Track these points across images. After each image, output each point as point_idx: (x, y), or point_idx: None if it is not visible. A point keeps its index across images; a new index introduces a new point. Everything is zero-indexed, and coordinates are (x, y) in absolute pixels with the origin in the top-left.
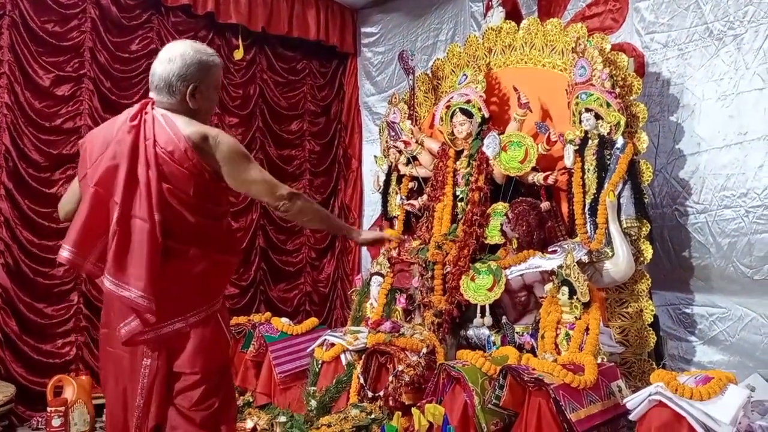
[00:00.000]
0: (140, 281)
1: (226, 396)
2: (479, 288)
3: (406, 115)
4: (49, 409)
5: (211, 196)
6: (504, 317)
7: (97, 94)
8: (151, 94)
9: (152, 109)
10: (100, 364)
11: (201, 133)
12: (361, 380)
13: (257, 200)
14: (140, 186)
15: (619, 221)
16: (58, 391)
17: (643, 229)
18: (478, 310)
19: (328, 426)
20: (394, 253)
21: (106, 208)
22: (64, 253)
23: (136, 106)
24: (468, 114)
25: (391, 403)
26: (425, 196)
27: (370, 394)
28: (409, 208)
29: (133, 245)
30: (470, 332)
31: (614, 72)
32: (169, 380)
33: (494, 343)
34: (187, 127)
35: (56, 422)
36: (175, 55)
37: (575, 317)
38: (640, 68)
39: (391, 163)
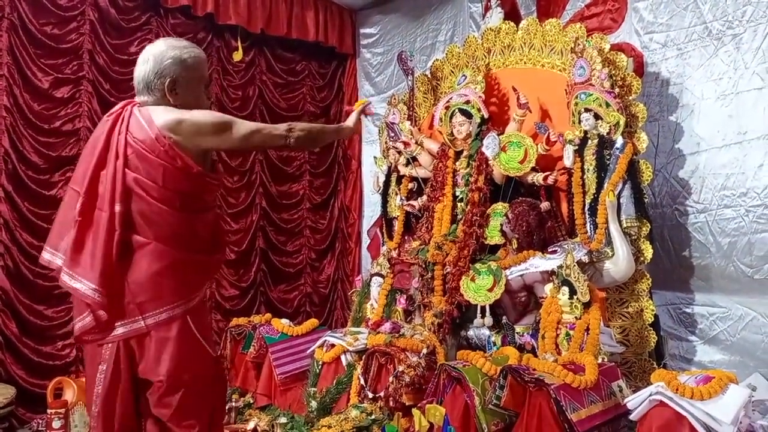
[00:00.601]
0: (93, 272)
1: (213, 416)
2: (479, 288)
3: (406, 116)
4: (49, 411)
5: (184, 187)
6: (504, 317)
7: (96, 96)
8: (136, 98)
9: (133, 107)
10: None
11: (175, 119)
12: (362, 381)
13: (263, 149)
14: (106, 176)
15: (619, 221)
16: (58, 393)
17: (643, 228)
18: (479, 311)
19: (329, 427)
20: (394, 254)
21: (71, 204)
22: (45, 255)
23: (118, 105)
24: (467, 114)
25: (391, 403)
26: (425, 197)
27: (370, 395)
28: (408, 208)
29: (91, 236)
30: (470, 333)
31: (613, 72)
32: (139, 390)
33: (495, 344)
34: (162, 116)
35: (57, 424)
36: (148, 56)
37: (575, 317)
38: (639, 68)
39: (391, 163)
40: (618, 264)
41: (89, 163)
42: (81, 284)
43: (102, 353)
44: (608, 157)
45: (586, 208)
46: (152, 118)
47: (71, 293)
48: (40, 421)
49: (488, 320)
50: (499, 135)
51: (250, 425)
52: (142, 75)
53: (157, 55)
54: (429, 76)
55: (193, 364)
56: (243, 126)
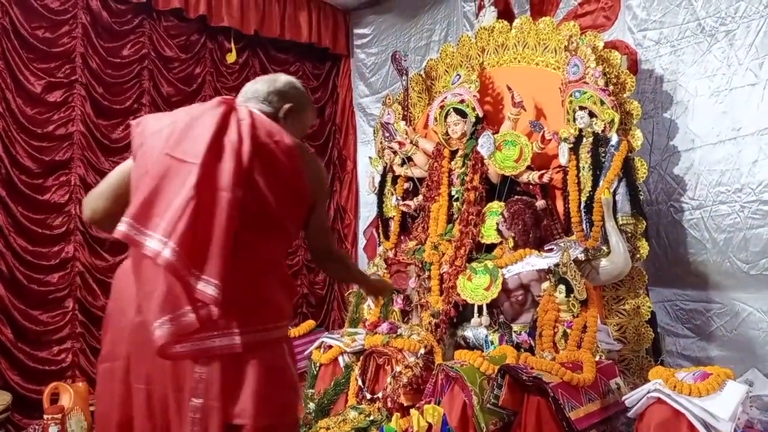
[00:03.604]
0: (215, 266)
1: None
2: (476, 288)
3: (401, 116)
4: (45, 416)
5: (295, 208)
6: (501, 316)
7: (89, 99)
8: (239, 101)
9: (248, 107)
10: (102, 413)
11: (304, 147)
12: (359, 382)
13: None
14: (225, 154)
15: (615, 218)
16: (54, 398)
17: (639, 226)
18: (476, 310)
19: (327, 429)
20: (390, 254)
21: (178, 177)
22: (122, 227)
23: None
24: (462, 114)
25: (389, 404)
26: (420, 197)
27: (368, 396)
28: (404, 208)
29: (208, 220)
30: (468, 332)
31: (607, 70)
32: None
33: (492, 343)
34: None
35: (53, 430)
36: (279, 77)
37: (573, 315)
38: (633, 65)
39: (386, 164)
40: (614, 261)
41: (202, 136)
42: (198, 279)
43: (195, 383)
44: (603, 154)
45: (582, 206)
46: (282, 129)
47: (140, 284)
48: (37, 427)
49: (485, 319)
50: (494, 134)
51: None
52: (263, 88)
53: (290, 80)
54: (423, 75)
55: (293, 405)
56: (325, 217)
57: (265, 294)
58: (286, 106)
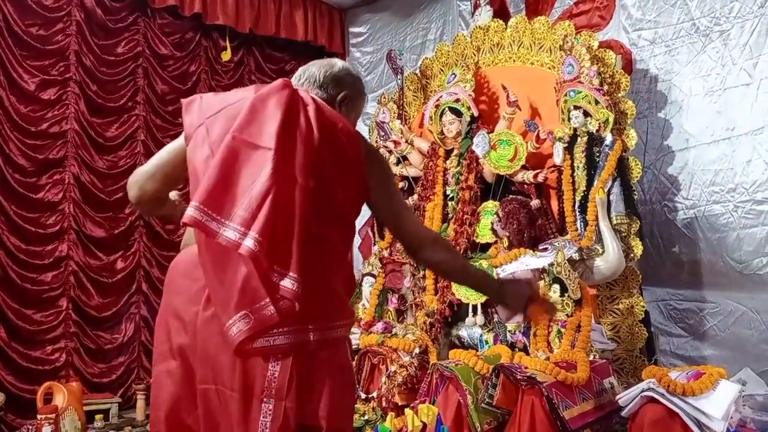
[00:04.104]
0: (293, 259)
1: None
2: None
3: (396, 115)
4: (39, 416)
5: (359, 198)
6: (496, 316)
7: (83, 97)
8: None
9: (309, 94)
10: (155, 419)
11: (363, 135)
12: None
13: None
14: (297, 140)
15: (609, 218)
16: (48, 398)
17: (633, 225)
18: (470, 309)
19: None
20: (385, 254)
21: (250, 162)
22: (191, 212)
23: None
24: (457, 113)
25: (384, 403)
26: (416, 196)
27: (363, 395)
28: None
29: (286, 211)
30: (462, 332)
31: (602, 69)
32: None
33: (486, 342)
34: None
35: (47, 430)
36: (336, 61)
37: (567, 315)
38: (628, 65)
39: None
40: (608, 261)
41: (272, 118)
42: (278, 274)
43: (266, 383)
44: (598, 154)
45: (577, 206)
46: (343, 117)
47: (209, 276)
48: (30, 427)
49: (480, 319)
50: (489, 133)
51: None
52: (319, 72)
53: (345, 67)
54: (419, 74)
55: (354, 406)
56: (402, 200)
57: (333, 289)
58: (343, 93)
